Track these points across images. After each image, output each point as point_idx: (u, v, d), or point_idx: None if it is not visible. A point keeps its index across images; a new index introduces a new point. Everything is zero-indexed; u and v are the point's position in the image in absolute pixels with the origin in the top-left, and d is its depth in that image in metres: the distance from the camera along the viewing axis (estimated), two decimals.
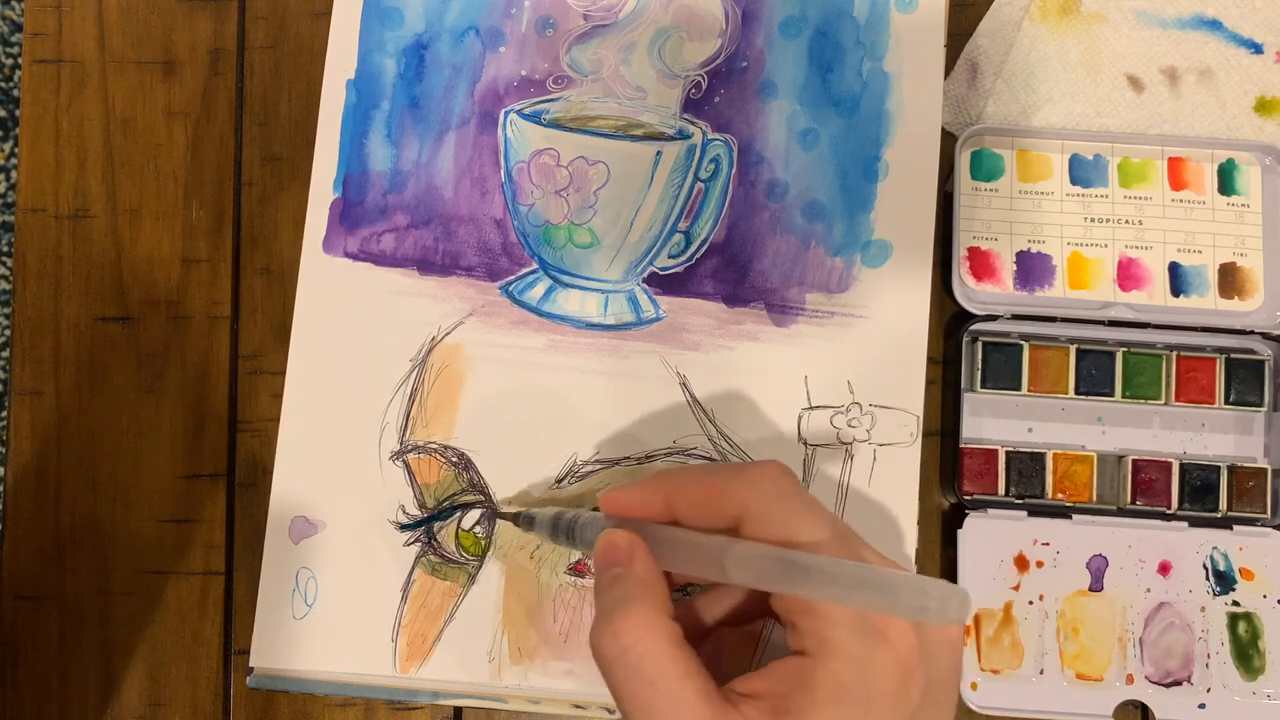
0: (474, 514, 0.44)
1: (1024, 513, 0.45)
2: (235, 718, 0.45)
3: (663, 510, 0.35)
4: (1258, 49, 0.48)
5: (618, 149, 0.45)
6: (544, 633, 0.43)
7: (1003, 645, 0.44)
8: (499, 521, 0.43)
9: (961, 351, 0.45)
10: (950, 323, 0.47)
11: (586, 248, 0.45)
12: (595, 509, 0.39)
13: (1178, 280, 0.46)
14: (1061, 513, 0.45)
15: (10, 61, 1.12)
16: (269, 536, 0.43)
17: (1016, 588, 0.44)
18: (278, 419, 0.44)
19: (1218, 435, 0.46)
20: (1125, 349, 0.45)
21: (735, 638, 0.38)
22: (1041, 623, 0.44)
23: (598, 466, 0.44)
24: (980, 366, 0.45)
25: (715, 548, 0.32)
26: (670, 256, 0.45)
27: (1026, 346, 0.45)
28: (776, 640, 0.37)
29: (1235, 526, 0.45)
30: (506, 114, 0.45)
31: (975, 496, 0.45)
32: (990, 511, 0.44)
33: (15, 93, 1.12)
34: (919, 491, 0.44)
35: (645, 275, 0.45)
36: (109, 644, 0.45)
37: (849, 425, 0.44)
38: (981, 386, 0.45)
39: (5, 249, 1.09)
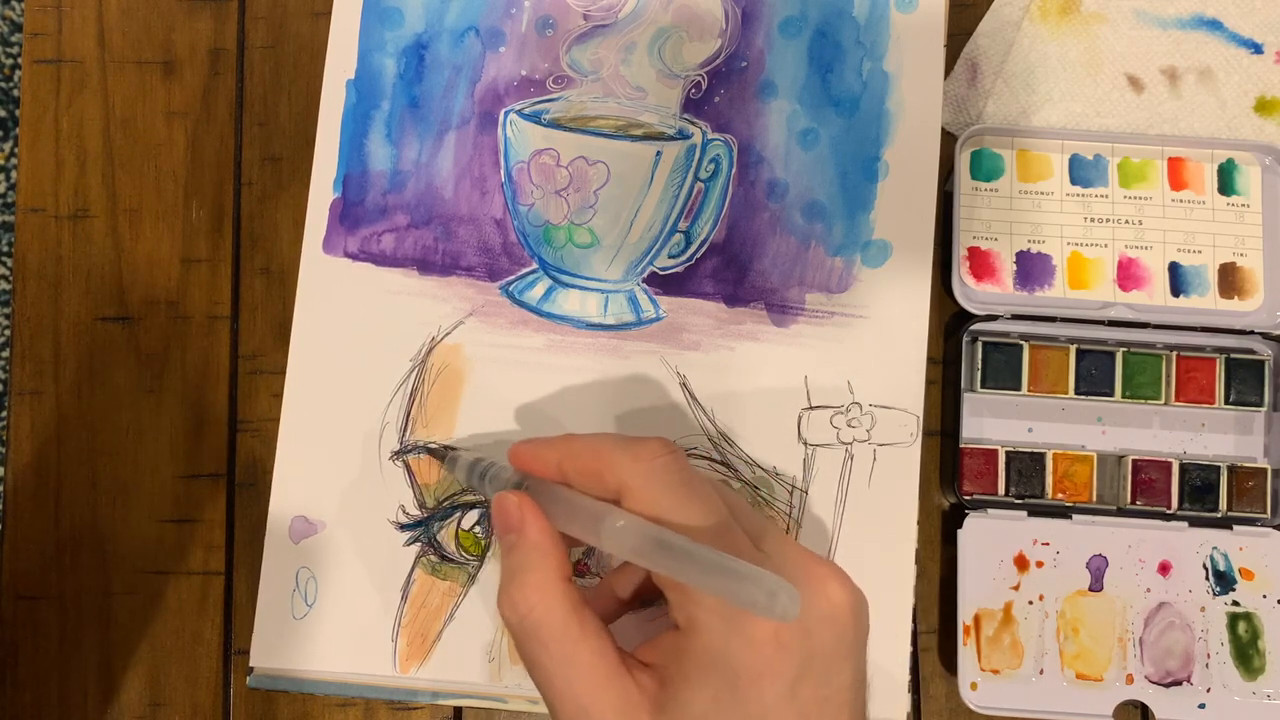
0: (474, 514, 0.44)
1: (1024, 513, 0.45)
2: (235, 718, 0.45)
3: (556, 471, 0.35)
4: (1258, 49, 0.48)
5: (618, 149, 0.45)
6: None
7: (1003, 645, 0.44)
8: None
9: (961, 351, 0.45)
10: (950, 323, 0.47)
11: (586, 248, 0.45)
12: None
13: (1178, 280, 0.46)
14: (1061, 513, 0.45)
15: (10, 61, 1.12)
16: (269, 536, 0.43)
17: (1016, 588, 0.44)
18: (278, 419, 0.44)
19: (1218, 435, 0.46)
20: (1125, 349, 0.45)
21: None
22: (1041, 623, 0.44)
23: None
24: (980, 366, 0.45)
25: (594, 514, 0.32)
26: (670, 256, 0.45)
27: (1026, 346, 0.45)
28: None
29: (1235, 526, 0.45)
30: (506, 114, 0.45)
31: (975, 496, 0.45)
32: (990, 511, 0.44)
33: (15, 93, 1.12)
34: (919, 491, 0.44)
35: (645, 275, 0.45)
36: (109, 644, 0.45)
37: (849, 425, 0.44)
38: (981, 386, 0.45)
39: (5, 249, 1.09)
